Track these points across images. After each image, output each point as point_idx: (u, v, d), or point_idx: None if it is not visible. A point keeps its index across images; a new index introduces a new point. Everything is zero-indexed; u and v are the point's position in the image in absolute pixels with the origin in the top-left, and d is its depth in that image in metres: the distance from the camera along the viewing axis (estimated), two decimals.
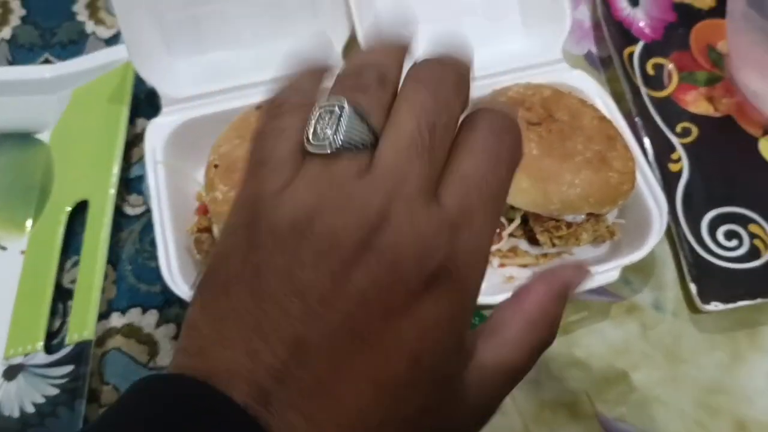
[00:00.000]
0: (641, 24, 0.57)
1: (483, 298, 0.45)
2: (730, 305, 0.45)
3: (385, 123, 0.20)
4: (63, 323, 0.46)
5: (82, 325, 0.44)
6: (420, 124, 0.20)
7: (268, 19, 0.52)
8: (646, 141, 0.51)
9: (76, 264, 0.48)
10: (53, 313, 0.46)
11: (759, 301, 0.45)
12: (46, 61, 0.58)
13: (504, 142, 0.21)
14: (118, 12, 0.47)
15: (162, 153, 0.47)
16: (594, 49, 0.59)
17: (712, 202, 0.49)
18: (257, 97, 0.48)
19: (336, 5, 0.50)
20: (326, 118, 0.20)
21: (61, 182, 0.51)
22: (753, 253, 0.47)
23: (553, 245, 0.46)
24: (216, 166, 0.44)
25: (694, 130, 0.52)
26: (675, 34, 0.57)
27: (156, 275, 0.47)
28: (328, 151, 0.19)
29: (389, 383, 0.18)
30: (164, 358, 0.45)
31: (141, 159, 0.53)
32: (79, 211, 0.50)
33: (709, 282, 0.46)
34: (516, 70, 0.51)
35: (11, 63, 0.59)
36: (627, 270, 0.46)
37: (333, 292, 0.18)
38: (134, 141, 0.53)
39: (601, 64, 0.58)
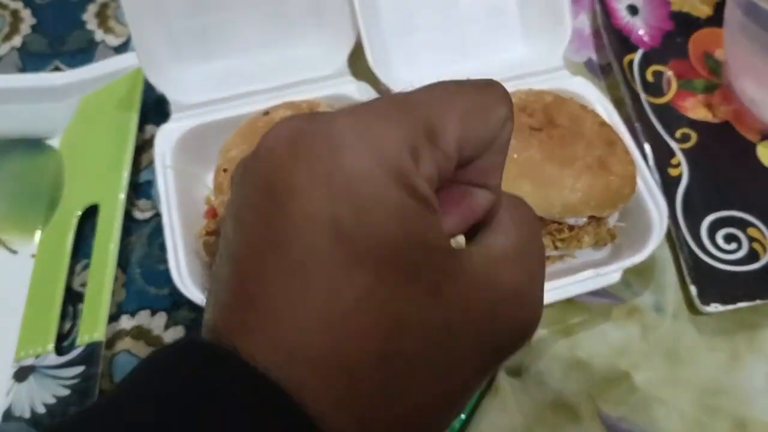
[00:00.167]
0: (640, 32, 0.58)
1: None
2: (730, 307, 0.46)
3: None
4: (73, 326, 0.47)
5: (92, 327, 0.45)
6: None
7: (274, 27, 0.53)
8: (647, 146, 0.52)
9: (86, 267, 0.49)
10: (63, 315, 0.47)
11: (758, 302, 0.46)
12: (56, 69, 0.59)
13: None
14: (130, 20, 0.48)
15: (171, 158, 0.48)
16: (594, 57, 0.59)
17: (712, 206, 0.50)
18: (264, 103, 0.50)
19: (341, 14, 0.51)
20: None
21: (71, 187, 0.52)
22: (752, 256, 0.48)
23: (556, 248, 0.47)
24: (225, 170, 0.45)
25: (693, 136, 0.53)
26: (673, 42, 0.58)
27: (165, 278, 0.48)
28: None
29: None
30: None
31: (150, 164, 0.53)
32: (89, 215, 0.51)
33: (709, 284, 0.47)
34: (518, 77, 0.52)
35: (22, 70, 0.60)
36: (628, 273, 0.47)
37: None
38: (143, 147, 0.54)
39: (601, 72, 0.59)
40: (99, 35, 0.61)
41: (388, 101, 0.18)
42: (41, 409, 0.42)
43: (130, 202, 0.52)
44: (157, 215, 0.51)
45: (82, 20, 0.62)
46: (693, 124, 0.54)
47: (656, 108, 0.54)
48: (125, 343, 0.47)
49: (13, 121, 0.55)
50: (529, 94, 0.48)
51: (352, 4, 0.50)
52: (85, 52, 0.60)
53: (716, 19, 0.57)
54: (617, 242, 0.48)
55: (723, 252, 0.48)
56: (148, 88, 0.53)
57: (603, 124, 0.47)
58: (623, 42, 0.57)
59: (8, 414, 0.42)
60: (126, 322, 0.48)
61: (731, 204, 0.50)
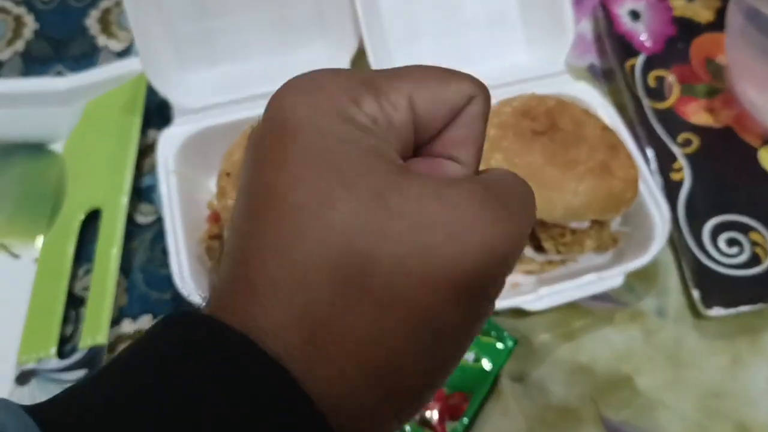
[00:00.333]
0: (642, 37, 0.58)
1: None
2: (732, 310, 0.46)
3: None
4: (75, 330, 0.47)
5: (95, 330, 0.45)
6: None
7: (277, 31, 0.53)
8: (649, 151, 0.52)
9: (88, 272, 0.49)
10: (65, 319, 0.47)
11: (760, 306, 0.46)
12: (59, 74, 0.60)
13: None
14: (133, 25, 0.48)
15: (174, 162, 0.48)
16: (596, 62, 0.60)
17: (714, 211, 0.50)
18: None
19: (344, 18, 0.52)
20: None
21: (74, 192, 0.52)
22: (754, 260, 0.48)
23: (558, 252, 0.47)
24: (228, 174, 0.45)
25: (695, 141, 0.54)
26: (675, 47, 0.58)
27: (167, 283, 0.48)
28: None
29: None
30: None
31: (152, 169, 0.54)
32: (92, 219, 0.51)
33: (711, 288, 0.47)
34: (521, 81, 0.52)
35: (24, 75, 0.60)
36: (630, 277, 0.47)
37: None
38: (145, 151, 0.54)
39: (603, 77, 0.59)
40: (102, 40, 0.62)
41: (356, 71, 0.20)
42: None
43: (133, 207, 0.52)
44: (160, 219, 0.51)
45: (84, 25, 0.62)
46: (695, 128, 0.54)
47: (658, 113, 0.54)
48: None
49: (15, 126, 0.56)
50: (531, 98, 0.49)
51: (355, 10, 0.51)
52: (87, 57, 0.61)
53: (718, 24, 0.57)
54: (620, 246, 0.48)
55: (725, 256, 0.48)
56: (151, 93, 0.53)
57: (605, 128, 0.48)
58: (625, 47, 0.58)
59: None
60: (128, 326, 0.48)
61: (733, 208, 0.50)
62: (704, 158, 0.52)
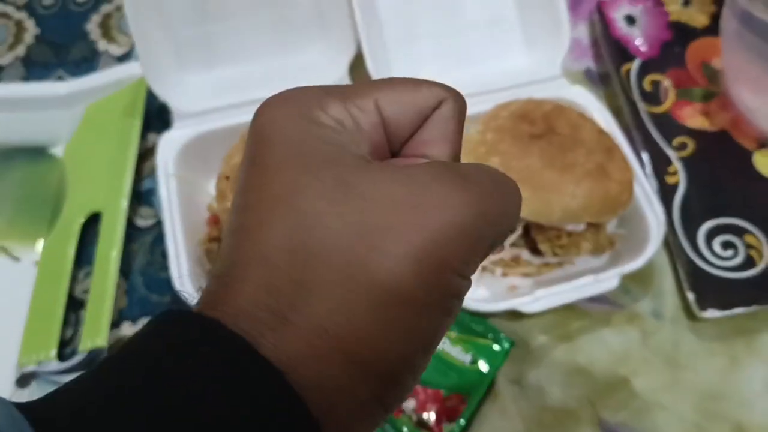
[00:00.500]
0: (638, 42, 0.59)
1: (487, 306, 0.46)
2: (727, 312, 0.46)
3: None
4: (75, 332, 0.47)
5: (95, 333, 0.45)
6: None
7: (276, 36, 0.53)
8: (644, 154, 0.53)
9: (88, 275, 0.50)
10: (65, 322, 0.47)
11: (755, 308, 0.47)
12: (60, 78, 0.60)
13: None
14: (134, 29, 0.49)
15: (174, 165, 0.48)
16: (593, 66, 0.60)
17: (709, 214, 0.51)
18: None
19: (343, 21, 0.52)
20: None
21: (74, 195, 0.52)
22: (748, 263, 0.49)
23: (555, 254, 0.47)
24: (227, 178, 0.45)
25: (691, 144, 0.54)
26: (671, 51, 0.59)
27: (166, 285, 0.48)
28: None
29: None
30: None
31: (152, 173, 0.54)
32: (92, 223, 0.51)
33: (707, 290, 0.47)
34: (518, 85, 0.53)
35: (25, 80, 0.60)
36: (626, 279, 0.47)
37: None
38: (145, 155, 0.55)
39: (599, 81, 0.59)
40: (102, 45, 0.62)
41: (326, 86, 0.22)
42: None
43: (132, 210, 0.52)
44: (159, 223, 0.52)
45: (85, 30, 0.63)
46: (690, 132, 0.55)
47: (654, 116, 0.55)
48: None
49: (16, 130, 0.56)
50: (528, 102, 0.49)
51: (354, 13, 0.51)
52: (88, 62, 0.61)
53: (713, 28, 0.58)
54: (616, 249, 0.49)
55: (720, 259, 0.49)
56: (151, 97, 0.53)
57: (602, 131, 0.48)
58: (621, 51, 0.58)
59: None
60: (128, 329, 0.48)
61: (728, 211, 0.51)
62: (699, 161, 0.53)
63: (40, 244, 0.51)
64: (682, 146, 0.54)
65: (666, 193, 0.51)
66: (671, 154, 0.53)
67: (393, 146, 0.21)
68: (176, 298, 0.47)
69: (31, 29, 0.63)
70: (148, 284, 0.50)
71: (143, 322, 0.48)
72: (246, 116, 0.49)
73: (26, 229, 0.52)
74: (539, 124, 0.47)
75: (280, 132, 0.19)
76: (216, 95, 0.51)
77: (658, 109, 0.56)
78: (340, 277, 0.17)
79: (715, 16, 0.59)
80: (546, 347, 0.47)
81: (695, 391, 0.46)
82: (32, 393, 0.44)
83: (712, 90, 0.57)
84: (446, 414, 0.44)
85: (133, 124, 0.53)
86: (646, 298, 0.49)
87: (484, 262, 0.48)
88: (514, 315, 0.47)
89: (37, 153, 0.55)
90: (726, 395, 0.45)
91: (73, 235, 0.50)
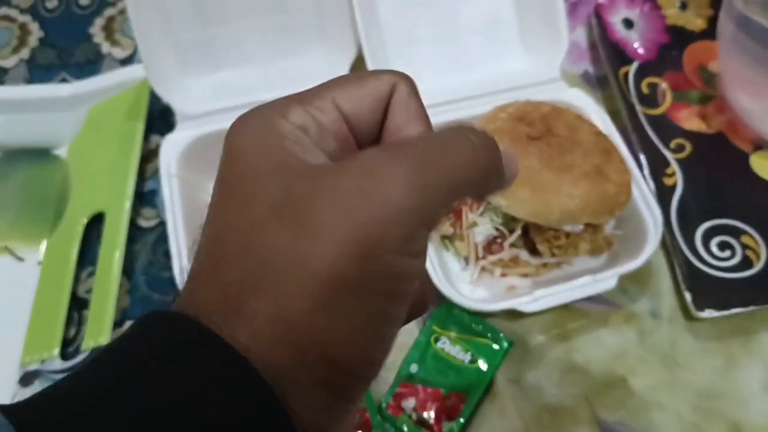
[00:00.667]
0: (636, 45, 0.59)
1: (486, 306, 0.47)
2: (724, 312, 0.47)
3: None
4: (78, 331, 0.48)
5: (98, 332, 0.46)
6: None
7: (277, 38, 0.54)
8: (642, 156, 0.53)
9: (91, 274, 0.50)
10: (68, 321, 0.48)
11: (752, 308, 0.47)
12: (64, 81, 0.61)
13: None
14: (137, 32, 0.49)
15: (176, 166, 0.49)
16: (591, 69, 0.61)
17: (706, 215, 0.51)
18: None
19: (343, 25, 0.53)
20: None
21: (77, 196, 0.53)
22: (745, 263, 0.49)
23: (553, 255, 0.47)
24: None
25: (688, 146, 0.54)
26: (668, 54, 0.59)
27: (168, 285, 0.49)
28: None
29: None
30: None
31: (155, 174, 0.54)
32: (95, 223, 0.52)
33: (704, 291, 0.48)
34: (516, 88, 0.53)
35: (29, 82, 0.61)
36: (624, 279, 0.48)
37: None
38: (148, 156, 0.55)
39: (597, 83, 0.60)
40: (105, 48, 0.63)
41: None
42: None
43: (135, 211, 0.53)
44: (162, 223, 0.52)
45: (89, 33, 0.64)
46: (687, 134, 0.55)
47: (651, 119, 0.55)
48: None
49: (20, 132, 0.56)
50: (526, 104, 0.50)
51: (354, 17, 0.52)
52: (91, 64, 0.62)
53: (710, 32, 0.58)
54: (613, 249, 0.49)
55: (717, 259, 0.49)
56: (154, 99, 0.54)
57: (599, 133, 0.49)
58: (619, 55, 0.59)
59: None
60: None
61: (725, 212, 0.51)
62: (697, 163, 0.53)
63: (43, 245, 0.52)
64: (679, 148, 0.54)
65: (664, 195, 0.52)
66: (669, 155, 0.54)
67: (362, 137, 0.22)
68: (178, 296, 0.47)
69: (35, 32, 0.64)
70: (150, 284, 0.50)
71: None
72: None
73: (30, 229, 0.53)
74: (537, 125, 0.47)
75: (242, 148, 0.20)
76: (218, 97, 0.52)
77: (656, 112, 0.56)
78: (282, 272, 0.18)
79: (712, 20, 0.60)
80: (544, 347, 0.48)
81: (692, 391, 0.46)
82: (35, 392, 0.44)
83: (709, 93, 0.57)
84: (446, 413, 0.45)
85: (136, 126, 0.54)
86: (644, 298, 0.49)
87: (484, 263, 0.48)
88: (513, 315, 0.47)
89: (40, 154, 0.56)
90: (723, 395, 0.46)
91: (76, 236, 0.51)
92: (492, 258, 0.48)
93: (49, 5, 0.65)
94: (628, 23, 0.60)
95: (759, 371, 0.47)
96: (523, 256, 0.49)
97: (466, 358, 0.46)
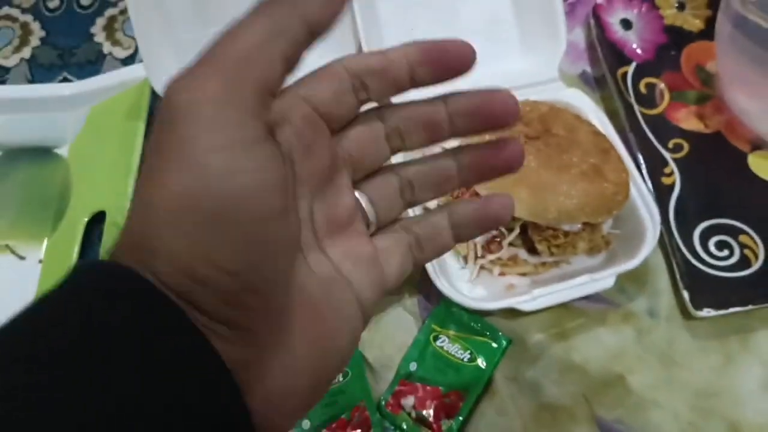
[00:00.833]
0: (634, 45, 0.60)
1: (484, 304, 0.47)
2: (722, 311, 0.47)
3: None
4: None
5: None
6: None
7: None
8: (640, 156, 0.53)
9: None
10: None
11: (750, 307, 0.47)
12: (65, 80, 0.61)
13: None
14: (137, 32, 0.50)
15: None
16: (589, 69, 0.61)
17: (704, 214, 0.51)
18: None
19: (343, 25, 0.53)
20: None
21: (78, 194, 0.53)
22: (743, 263, 0.49)
23: (551, 254, 0.48)
24: None
25: (686, 146, 0.55)
26: (666, 55, 0.59)
27: None
28: None
29: None
30: None
31: None
32: (96, 222, 0.52)
33: (701, 290, 0.48)
34: (514, 88, 0.52)
35: (31, 82, 0.61)
36: (622, 278, 0.48)
37: None
38: None
39: (595, 84, 0.60)
40: (107, 47, 0.63)
41: None
42: None
43: None
44: None
45: (90, 33, 0.64)
46: (685, 134, 0.55)
47: (649, 119, 0.56)
48: None
49: (22, 131, 0.57)
50: (525, 104, 0.50)
51: (354, 16, 0.52)
52: (93, 64, 0.62)
53: (708, 32, 0.59)
54: (611, 249, 0.49)
55: (715, 258, 0.49)
56: (155, 98, 0.54)
57: (597, 133, 0.49)
58: (617, 55, 0.59)
59: None
60: None
61: (723, 212, 0.51)
62: (694, 163, 0.54)
63: (44, 243, 0.52)
64: (677, 148, 0.55)
65: (662, 194, 0.52)
66: (667, 155, 0.54)
67: (339, 121, 0.25)
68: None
69: (37, 32, 0.64)
70: None
71: None
72: None
73: (31, 228, 0.53)
74: (535, 125, 0.48)
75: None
76: None
77: (654, 112, 0.56)
78: (174, 215, 0.20)
79: (709, 20, 0.60)
80: (543, 345, 0.48)
81: (690, 389, 0.46)
82: None
83: (706, 93, 0.58)
84: (445, 411, 0.45)
85: (136, 125, 0.54)
86: (642, 298, 0.50)
87: (483, 261, 0.49)
88: (512, 313, 0.47)
89: (42, 153, 0.56)
90: (721, 393, 0.46)
91: (77, 235, 0.51)
92: (491, 257, 0.48)
93: (51, 5, 0.66)
94: (626, 23, 0.61)
95: (757, 370, 0.47)
96: (521, 255, 0.49)
97: (465, 356, 0.47)
